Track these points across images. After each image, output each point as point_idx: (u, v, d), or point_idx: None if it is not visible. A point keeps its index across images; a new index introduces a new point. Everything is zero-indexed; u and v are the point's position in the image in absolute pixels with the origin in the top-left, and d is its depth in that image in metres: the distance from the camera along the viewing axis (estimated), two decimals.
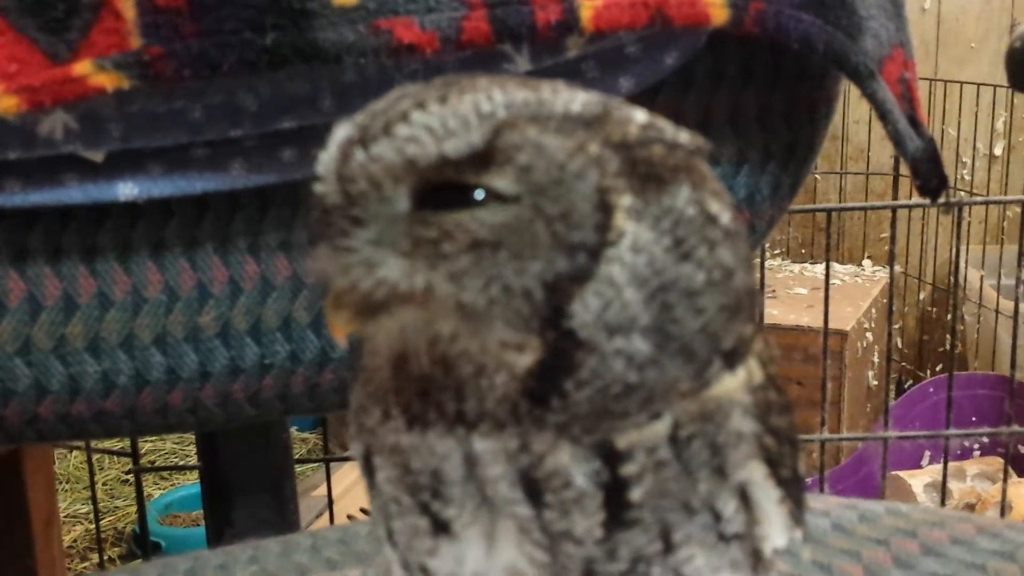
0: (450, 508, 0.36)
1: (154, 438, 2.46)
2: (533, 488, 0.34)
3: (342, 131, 0.34)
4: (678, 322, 0.33)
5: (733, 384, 0.35)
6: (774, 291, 2.34)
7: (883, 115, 0.63)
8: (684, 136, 0.35)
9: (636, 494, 0.34)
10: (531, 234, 0.33)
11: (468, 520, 0.36)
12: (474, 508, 0.35)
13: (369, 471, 0.38)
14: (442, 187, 0.33)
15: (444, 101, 0.33)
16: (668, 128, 0.35)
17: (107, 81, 0.55)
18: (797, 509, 0.38)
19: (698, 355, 0.34)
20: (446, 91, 0.33)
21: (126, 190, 0.61)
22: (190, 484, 2.20)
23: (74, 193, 0.60)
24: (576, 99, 0.34)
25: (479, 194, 0.33)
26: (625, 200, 0.33)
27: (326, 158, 0.34)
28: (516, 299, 0.33)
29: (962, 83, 2.60)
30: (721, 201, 0.35)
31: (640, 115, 0.35)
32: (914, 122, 0.65)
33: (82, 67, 0.55)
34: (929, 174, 0.65)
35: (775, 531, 0.37)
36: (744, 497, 0.36)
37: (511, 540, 0.35)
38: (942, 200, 0.66)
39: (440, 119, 0.33)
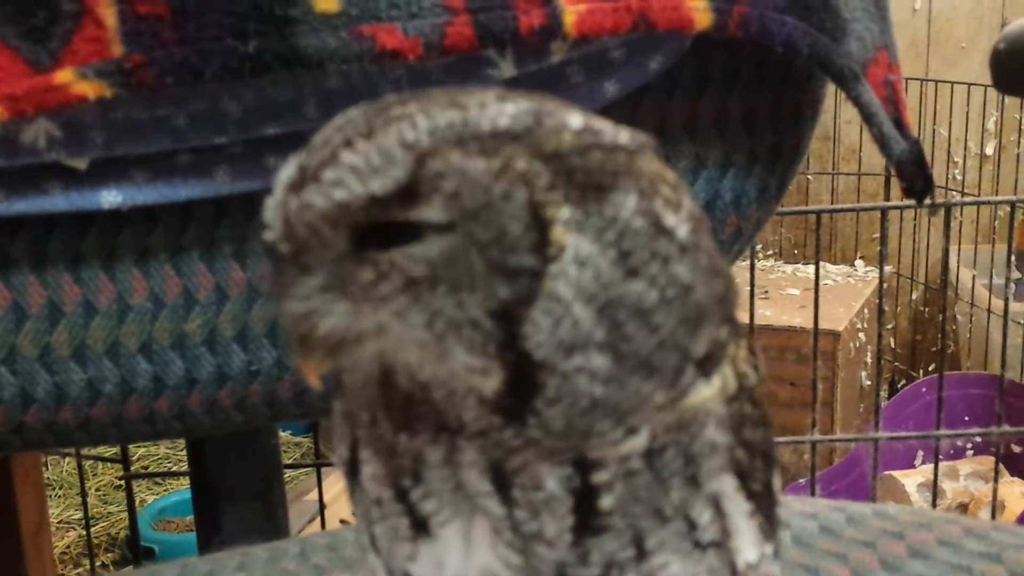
0: (429, 501, 0.36)
1: (147, 444, 2.45)
2: (501, 480, 0.34)
3: (286, 172, 0.34)
4: (631, 340, 0.32)
5: (708, 393, 0.35)
6: (767, 292, 2.34)
7: (868, 117, 0.63)
8: (624, 136, 0.34)
9: (606, 502, 0.34)
10: (467, 264, 0.32)
11: (446, 517, 0.36)
12: (450, 496, 0.35)
13: (353, 470, 0.38)
14: (380, 226, 0.32)
15: (370, 136, 0.32)
16: (607, 130, 0.34)
17: (89, 89, 0.55)
18: (768, 524, 0.38)
19: (663, 369, 0.33)
20: (375, 121, 0.33)
21: (110, 198, 0.61)
22: (183, 489, 2.20)
23: (58, 201, 0.60)
24: (505, 111, 0.33)
25: (413, 229, 0.32)
26: (563, 213, 0.32)
27: (271, 204, 0.34)
28: (465, 330, 0.32)
29: (953, 83, 2.60)
30: (677, 212, 0.33)
31: (575, 119, 0.33)
32: (899, 124, 0.65)
33: (64, 75, 0.55)
34: (915, 176, 0.65)
35: (745, 545, 0.37)
36: (718, 508, 0.36)
37: (486, 542, 0.36)
38: (929, 201, 0.66)
39: (365, 157, 0.32)
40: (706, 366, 0.35)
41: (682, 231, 0.33)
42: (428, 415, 0.34)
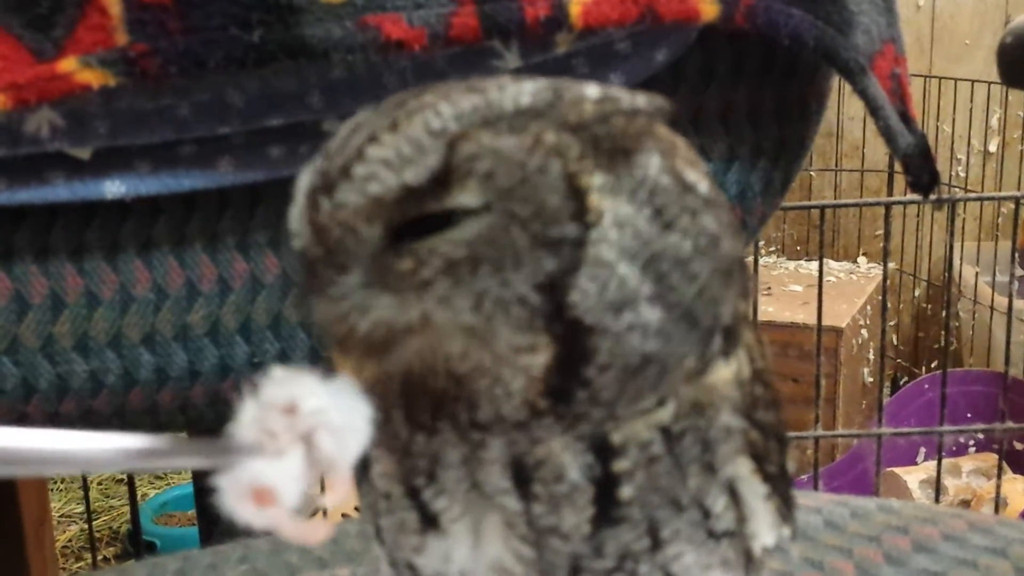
0: (441, 499, 0.35)
1: None
2: (522, 475, 0.34)
3: (305, 179, 0.34)
4: (675, 290, 0.33)
5: (726, 374, 0.35)
6: (769, 288, 2.33)
7: (874, 111, 0.63)
8: (642, 100, 0.34)
9: (627, 491, 0.34)
10: (509, 242, 0.32)
11: (457, 513, 0.36)
12: (464, 495, 0.35)
13: (362, 465, 0.38)
14: (414, 219, 0.32)
15: (395, 128, 0.32)
16: (624, 96, 0.34)
17: (93, 78, 0.55)
18: (785, 506, 0.38)
19: (702, 322, 0.34)
20: (396, 115, 0.33)
21: (113, 188, 0.61)
22: (185, 483, 2.20)
23: (61, 191, 0.60)
24: (524, 90, 0.33)
25: (447, 218, 0.32)
26: (596, 180, 0.33)
27: (295, 211, 0.34)
28: (512, 307, 0.32)
29: (956, 80, 2.60)
30: (697, 170, 0.35)
31: (593, 90, 0.34)
32: (905, 118, 0.65)
33: (68, 64, 0.54)
34: (920, 170, 0.65)
35: (763, 528, 0.37)
36: (733, 494, 0.36)
37: (498, 535, 0.35)
38: (934, 196, 0.66)
39: (395, 149, 0.32)
40: (729, 340, 0.35)
41: (703, 186, 0.35)
42: (458, 414, 0.34)
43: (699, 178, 0.35)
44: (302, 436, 0.32)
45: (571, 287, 0.32)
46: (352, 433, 0.33)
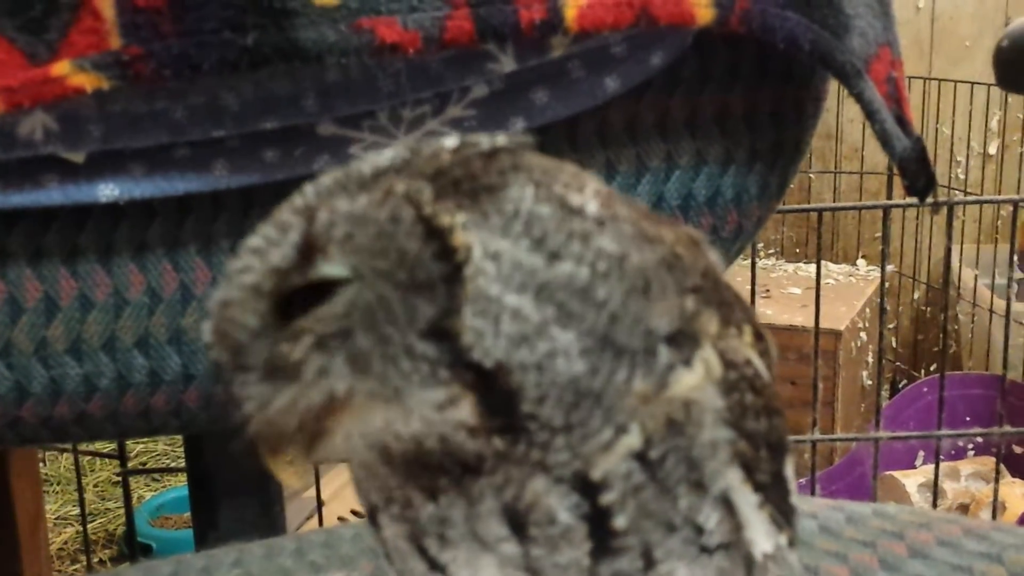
0: (446, 552, 0.36)
1: (145, 439, 2.45)
2: (517, 521, 0.34)
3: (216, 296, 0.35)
4: (583, 316, 0.32)
5: (692, 381, 0.34)
6: (768, 291, 2.33)
7: (870, 114, 0.63)
8: (502, 139, 0.35)
9: (620, 522, 0.34)
10: (382, 298, 0.32)
11: (462, 561, 0.36)
12: (467, 546, 0.35)
13: (373, 519, 0.39)
14: (294, 296, 0.33)
15: (271, 215, 0.34)
16: (483, 140, 0.35)
17: (86, 81, 0.54)
18: (779, 514, 0.38)
19: (631, 348, 0.33)
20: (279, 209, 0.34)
21: (107, 191, 0.61)
22: (181, 486, 2.19)
23: (55, 195, 0.60)
24: (384, 155, 0.34)
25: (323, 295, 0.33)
26: (458, 218, 0.32)
27: (205, 328, 0.35)
28: (407, 363, 0.32)
29: (956, 82, 2.60)
30: (581, 192, 0.34)
31: (451, 141, 0.35)
32: (902, 121, 0.65)
33: (61, 67, 0.54)
34: (917, 174, 0.65)
35: (759, 536, 0.37)
36: (728, 504, 0.36)
37: (495, 566, 0.36)
38: (931, 200, 0.66)
39: (263, 235, 0.33)
40: (682, 347, 0.34)
41: (591, 207, 0.34)
42: (449, 464, 0.34)
43: (585, 200, 0.34)
44: None
45: (461, 330, 0.32)
46: None
